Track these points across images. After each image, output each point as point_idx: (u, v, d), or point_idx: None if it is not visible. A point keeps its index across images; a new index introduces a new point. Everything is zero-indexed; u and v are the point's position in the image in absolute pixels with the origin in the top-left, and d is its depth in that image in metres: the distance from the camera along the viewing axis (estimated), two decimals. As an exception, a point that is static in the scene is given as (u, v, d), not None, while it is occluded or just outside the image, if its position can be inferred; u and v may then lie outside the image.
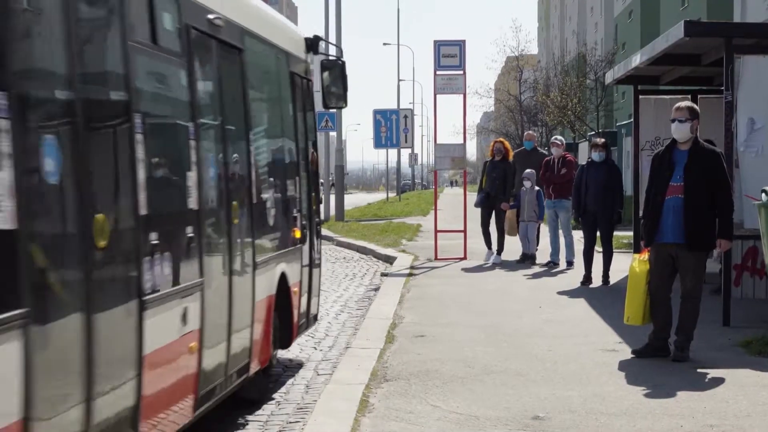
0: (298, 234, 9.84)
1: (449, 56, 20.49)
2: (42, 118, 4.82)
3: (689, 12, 49.12)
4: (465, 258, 19.14)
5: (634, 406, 7.88)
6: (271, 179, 9.14)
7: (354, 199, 67.39)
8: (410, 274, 17.14)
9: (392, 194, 71.35)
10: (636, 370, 9.18)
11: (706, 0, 47.98)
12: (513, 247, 18.69)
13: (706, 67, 14.50)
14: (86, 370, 5.03)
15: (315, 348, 11.18)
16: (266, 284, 8.69)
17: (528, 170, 18.45)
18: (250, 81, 8.47)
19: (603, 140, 15.82)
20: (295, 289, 9.75)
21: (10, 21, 4.47)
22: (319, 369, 10.03)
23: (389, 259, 20.59)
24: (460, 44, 20.59)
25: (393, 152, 73.33)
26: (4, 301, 4.34)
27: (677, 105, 10.04)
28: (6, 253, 4.39)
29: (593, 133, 57.90)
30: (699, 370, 9.12)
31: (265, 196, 8.83)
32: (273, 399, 8.79)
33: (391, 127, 38.19)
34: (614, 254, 15.69)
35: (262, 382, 8.97)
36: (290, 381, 9.50)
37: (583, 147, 70.22)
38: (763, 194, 9.93)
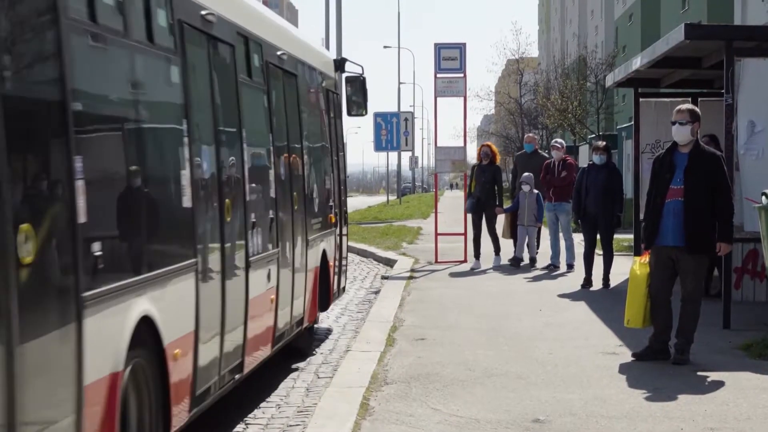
0: (333, 220, 12.28)
1: (450, 59, 20.50)
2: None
3: (690, 15, 49.11)
4: (465, 261, 19.13)
5: (635, 409, 7.87)
6: (316, 176, 11.57)
7: (354, 202, 67.32)
8: (411, 277, 17.14)
9: (393, 197, 71.38)
10: (637, 373, 9.18)
11: (707, 3, 47.97)
12: (506, 250, 18.67)
13: (707, 70, 14.51)
14: (222, 310, 7.45)
15: (315, 351, 11.17)
16: (314, 258, 11.20)
17: (526, 174, 18.31)
18: (303, 98, 10.95)
19: (604, 143, 15.83)
20: (331, 263, 12.24)
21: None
22: (320, 372, 10.03)
23: (390, 262, 20.60)
24: (461, 47, 20.60)
25: (393, 155, 73.40)
26: (178, 255, 6.61)
27: (678, 107, 10.05)
28: (184, 227, 6.79)
29: (594, 136, 57.90)
30: (699, 373, 9.12)
31: (313, 189, 11.31)
32: (273, 401, 8.79)
33: (392, 130, 38.17)
34: (615, 257, 15.68)
35: (309, 337, 11.43)
36: (290, 384, 9.50)
37: (584, 150, 70.18)
38: (764, 197, 9.95)
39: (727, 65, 11.52)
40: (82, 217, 4.99)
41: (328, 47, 33.32)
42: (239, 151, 8.23)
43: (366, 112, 13.54)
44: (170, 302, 6.30)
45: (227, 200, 7.73)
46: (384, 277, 17.80)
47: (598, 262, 15.37)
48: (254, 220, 8.46)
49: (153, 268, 6.08)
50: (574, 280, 15.92)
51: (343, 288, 13.52)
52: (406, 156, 72.76)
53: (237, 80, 8.26)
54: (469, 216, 18.94)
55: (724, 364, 9.55)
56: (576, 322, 12.15)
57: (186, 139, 6.86)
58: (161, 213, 6.44)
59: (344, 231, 13.24)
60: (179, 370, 6.43)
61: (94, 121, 5.45)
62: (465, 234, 19.79)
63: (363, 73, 13.45)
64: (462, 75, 20.56)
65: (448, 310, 13.26)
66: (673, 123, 9.87)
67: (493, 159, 18.59)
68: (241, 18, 8.63)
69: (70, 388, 4.87)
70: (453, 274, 17.52)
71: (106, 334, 5.32)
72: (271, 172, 9.36)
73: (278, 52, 9.84)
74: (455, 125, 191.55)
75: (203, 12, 7.39)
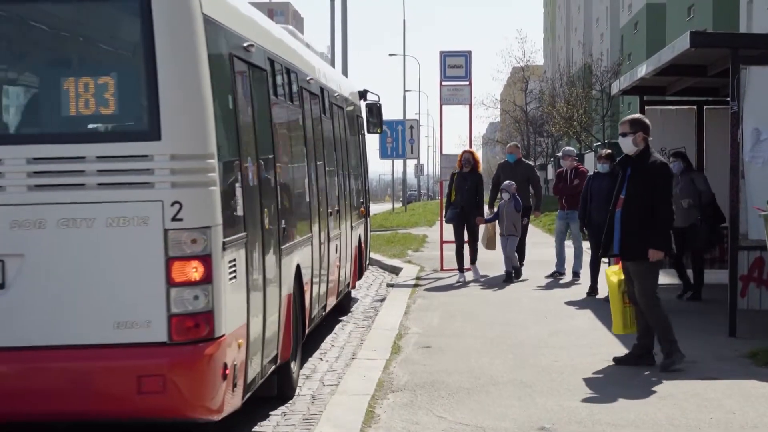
0: (363, 212, 16.22)
1: (455, 67, 20.51)
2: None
3: (695, 23, 49.09)
4: (471, 269, 19.08)
5: (640, 417, 7.87)
6: (355, 179, 15.54)
7: (360, 210, 67.23)
8: (416, 285, 17.14)
9: (398, 205, 71.33)
10: (642, 381, 9.17)
11: (712, 11, 47.97)
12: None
13: (712, 78, 14.51)
14: (319, 267, 11.31)
15: (321, 359, 11.17)
16: (355, 239, 14.98)
17: (507, 182, 17.65)
18: (348, 123, 14.80)
19: (608, 152, 15.83)
20: (363, 245, 16.21)
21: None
22: (325, 380, 10.03)
23: (395, 270, 20.59)
24: (466, 55, 20.62)
25: (399, 163, 73.35)
26: (306, 231, 10.44)
27: (621, 120, 10.33)
28: (308, 216, 10.71)
29: (599, 143, 57.95)
30: (705, 381, 9.10)
31: (354, 190, 15.21)
32: (279, 408, 8.79)
33: (397, 138, 38.24)
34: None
35: (349, 300, 15.23)
36: (296, 391, 9.50)
37: (589, 157, 70.15)
38: (769, 205, 9.93)
39: (732, 73, 11.51)
40: (279, 206, 8.84)
41: (333, 55, 33.37)
42: (323, 166, 11.96)
43: (382, 131, 17.53)
44: (304, 258, 10.09)
45: (320, 198, 11.53)
46: (389, 285, 17.80)
47: (584, 272, 15.37)
48: (330, 211, 12.30)
49: (298, 238, 9.88)
50: (579, 288, 15.92)
51: (368, 264, 17.84)
52: (411, 164, 72.73)
53: (321, 117, 12.18)
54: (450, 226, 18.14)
55: (730, 372, 9.54)
56: (582, 330, 12.14)
57: (307, 163, 10.83)
58: (302, 206, 10.42)
59: (369, 222, 17.50)
60: (308, 298, 10.27)
61: (283, 154, 9.55)
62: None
63: (379, 100, 16.82)
64: (467, 83, 20.57)
65: (453, 318, 13.25)
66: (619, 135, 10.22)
67: (474, 166, 17.68)
68: (323, 77, 12.76)
69: (279, 297, 8.71)
70: (458, 282, 17.49)
71: (286, 272, 9.05)
72: (335, 179, 13.13)
73: (335, 94, 13.61)
74: (461, 133, 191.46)
75: (322, 85, 12.31)
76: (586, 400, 8.42)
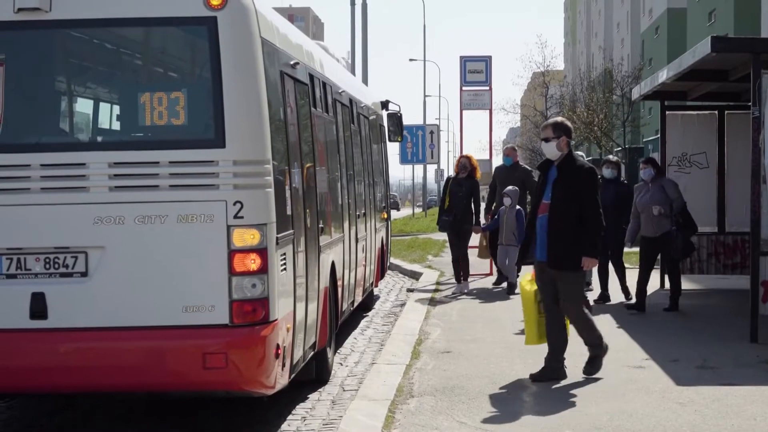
0: (385, 216, 17.09)
1: (475, 72, 20.52)
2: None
3: (716, 27, 48.96)
4: (491, 274, 19.05)
5: (661, 423, 7.85)
6: (380, 185, 16.43)
7: (380, 215, 67.25)
8: (436, 290, 17.13)
9: (418, 210, 71.31)
10: (663, 387, 9.14)
11: (734, 15, 47.81)
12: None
13: (734, 83, 14.46)
14: (349, 264, 12.32)
15: (341, 364, 11.19)
16: (378, 241, 15.87)
17: (510, 187, 16.51)
18: (371, 132, 15.51)
19: (616, 159, 15.67)
20: (385, 247, 17.16)
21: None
22: (345, 385, 10.04)
23: (415, 275, 20.59)
24: (486, 60, 20.63)
25: (419, 168, 73.36)
26: (339, 231, 11.38)
27: (543, 124, 10.09)
28: (341, 217, 11.77)
29: (619, 148, 57.74)
30: (726, 387, 9.06)
31: (379, 194, 16.13)
32: (299, 413, 8.81)
33: (417, 143, 38.29)
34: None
35: (371, 298, 16.03)
36: (316, 396, 9.51)
37: (610, 163, 69.91)
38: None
39: (754, 78, 11.46)
40: (318, 208, 9.79)
41: (353, 60, 33.42)
42: (352, 172, 12.92)
43: (402, 139, 18.47)
44: (338, 256, 11.05)
45: (350, 202, 12.50)
46: (410, 290, 17.80)
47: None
48: (358, 214, 13.21)
49: (333, 237, 10.84)
50: (592, 295, 15.77)
51: (389, 266, 18.95)
52: (431, 169, 72.69)
53: (351, 126, 13.18)
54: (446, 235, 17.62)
55: (751, 378, 9.49)
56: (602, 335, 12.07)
57: (339, 169, 11.81)
58: (336, 209, 11.30)
59: (390, 225, 18.52)
60: (340, 292, 11.24)
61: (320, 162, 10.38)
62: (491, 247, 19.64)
63: (400, 110, 17.53)
64: (488, 88, 20.58)
65: (473, 323, 13.25)
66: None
67: (471, 172, 16.90)
68: (352, 89, 13.66)
69: (317, 289, 9.50)
70: (478, 287, 17.48)
71: (324, 267, 9.97)
72: (362, 184, 14.07)
73: (362, 105, 14.45)
74: (480, 138, 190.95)
75: (351, 97, 13.22)
76: (606, 406, 8.40)
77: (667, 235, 13.85)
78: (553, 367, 9.59)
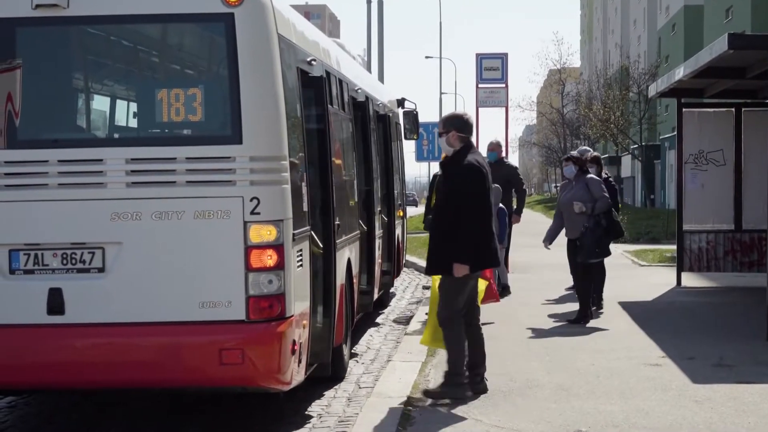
0: (401, 213, 16.94)
1: (491, 69, 20.55)
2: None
3: (733, 25, 48.74)
4: (508, 271, 19.01)
5: (678, 421, 7.83)
6: (395, 182, 15.94)
7: (395, 212, 67.23)
8: (452, 287, 17.05)
9: (434, 207, 71.26)
10: (680, 384, 9.12)
11: (751, 12, 47.58)
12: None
13: (751, 80, 14.42)
14: (365, 261, 12.54)
15: (357, 361, 11.19)
16: (394, 237, 15.43)
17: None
18: (387, 129, 15.26)
19: (595, 154, 14.68)
20: (400, 245, 16.84)
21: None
22: (361, 382, 10.05)
23: (431, 272, 20.52)
24: (503, 57, 20.65)
25: (435, 165, 73.26)
26: (355, 228, 11.30)
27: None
28: (357, 215, 11.71)
29: (636, 146, 57.65)
30: (743, 385, 9.04)
31: (394, 191, 15.64)
32: (314, 411, 8.82)
33: (433, 141, 38.05)
34: (657, 268, 15.56)
35: (388, 295, 16.32)
36: (331, 394, 9.53)
37: (626, 160, 69.86)
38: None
39: (771, 75, 11.44)
40: (335, 205, 9.43)
41: (369, 57, 33.40)
42: (368, 169, 12.86)
43: (417, 137, 17.97)
44: (354, 253, 11.03)
45: (366, 199, 12.61)
46: (425, 288, 17.79)
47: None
48: (374, 211, 13.06)
49: (349, 234, 10.71)
50: (617, 291, 15.62)
51: (404, 263, 18.57)
52: (447, 166, 72.64)
53: (367, 123, 12.99)
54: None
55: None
56: (618, 332, 12.08)
57: (356, 166, 11.75)
58: (352, 206, 11.24)
59: (405, 222, 18.66)
60: (356, 289, 11.19)
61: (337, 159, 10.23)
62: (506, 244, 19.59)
63: (416, 108, 17.25)
64: (504, 85, 20.61)
65: (489, 320, 13.22)
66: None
67: None
68: (368, 87, 13.70)
69: (333, 285, 9.38)
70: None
71: (340, 264, 9.77)
72: (378, 181, 13.88)
73: (378, 102, 14.47)
74: (497, 135, 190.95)
75: (367, 94, 13.11)
76: (622, 404, 8.39)
77: (582, 235, 12.71)
78: (476, 381, 8.82)
